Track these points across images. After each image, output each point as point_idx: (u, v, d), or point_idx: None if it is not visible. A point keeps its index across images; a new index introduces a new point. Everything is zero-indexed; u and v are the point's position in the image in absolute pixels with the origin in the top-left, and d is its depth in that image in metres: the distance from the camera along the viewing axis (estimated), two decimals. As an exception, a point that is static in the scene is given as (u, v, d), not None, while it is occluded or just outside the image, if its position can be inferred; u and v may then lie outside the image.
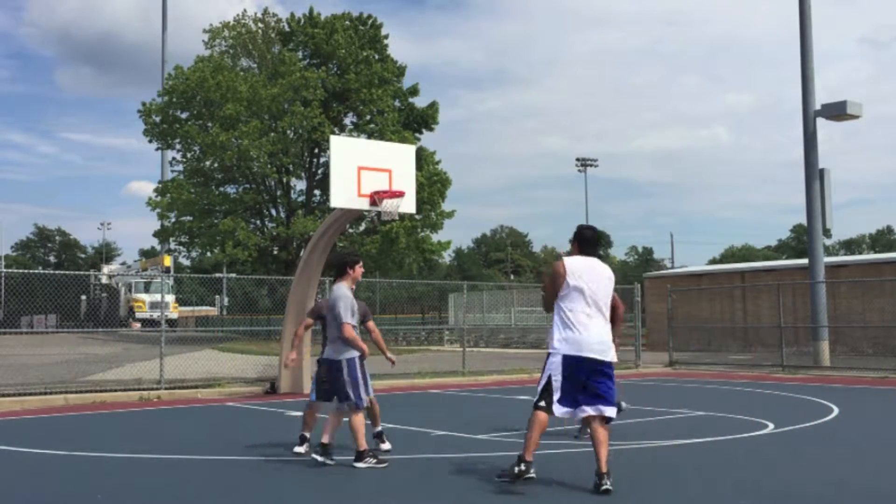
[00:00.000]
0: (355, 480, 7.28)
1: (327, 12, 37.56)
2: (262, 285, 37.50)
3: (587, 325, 6.75)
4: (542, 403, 6.70)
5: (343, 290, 8.05)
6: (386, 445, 8.74)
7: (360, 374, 7.96)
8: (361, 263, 8.34)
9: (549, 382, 6.72)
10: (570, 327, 6.76)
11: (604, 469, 6.59)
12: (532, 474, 6.64)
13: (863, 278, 26.75)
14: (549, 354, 6.84)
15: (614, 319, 8.91)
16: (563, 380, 6.70)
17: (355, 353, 7.97)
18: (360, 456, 7.81)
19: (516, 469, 6.59)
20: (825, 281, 22.64)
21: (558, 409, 6.70)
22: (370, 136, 33.27)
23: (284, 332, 15.60)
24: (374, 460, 7.81)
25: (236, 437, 10.14)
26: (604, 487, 6.52)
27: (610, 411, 6.76)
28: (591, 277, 6.86)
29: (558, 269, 6.90)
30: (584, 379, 6.72)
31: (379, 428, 8.86)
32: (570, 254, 7.13)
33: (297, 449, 8.62)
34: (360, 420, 7.89)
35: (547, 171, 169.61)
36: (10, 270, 56.54)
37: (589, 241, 7.10)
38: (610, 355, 6.82)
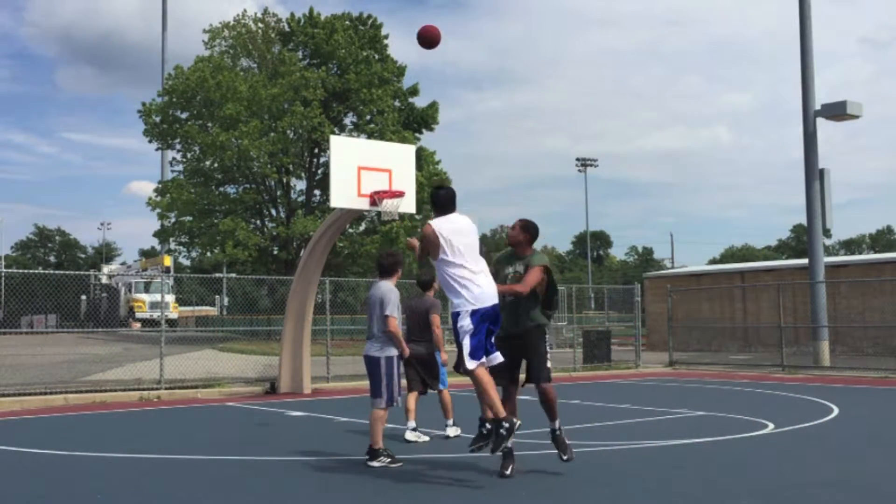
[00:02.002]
0: (355, 481, 7.28)
1: (327, 12, 37.56)
2: (262, 285, 37.51)
3: (478, 281, 6.95)
4: (477, 362, 6.86)
5: (390, 286, 8.23)
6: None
7: (396, 374, 8.03)
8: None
9: (476, 340, 6.84)
10: (468, 286, 6.91)
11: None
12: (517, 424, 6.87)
13: (863, 278, 26.75)
14: (457, 316, 6.91)
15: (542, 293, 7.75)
16: (480, 334, 6.88)
17: (395, 352, 8.05)
18: (373, 454, 7.85)
19: (502, 431, 6.77)
20: (825, 281, 22.64)
21: (495, 358, 6.99)
22: (370, 136, 33.24)
23: (285, 332, 15.61)
24: (388, 459, 7.84)
25: (236, 437, 10.14)
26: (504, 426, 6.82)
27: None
28: (459, 236, 7.04)
29: (429, 232, 7.04)
30: (490, 327, 6.98)
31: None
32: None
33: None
34: (381, 417, 7.92)
35: (547, 171, 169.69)
36: (10, 270, 56.53)
37: (443, 203, 7.24)
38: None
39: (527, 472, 7.33)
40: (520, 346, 7.40)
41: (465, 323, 6.84)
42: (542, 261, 7.49)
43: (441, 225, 7.07)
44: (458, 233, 7.07)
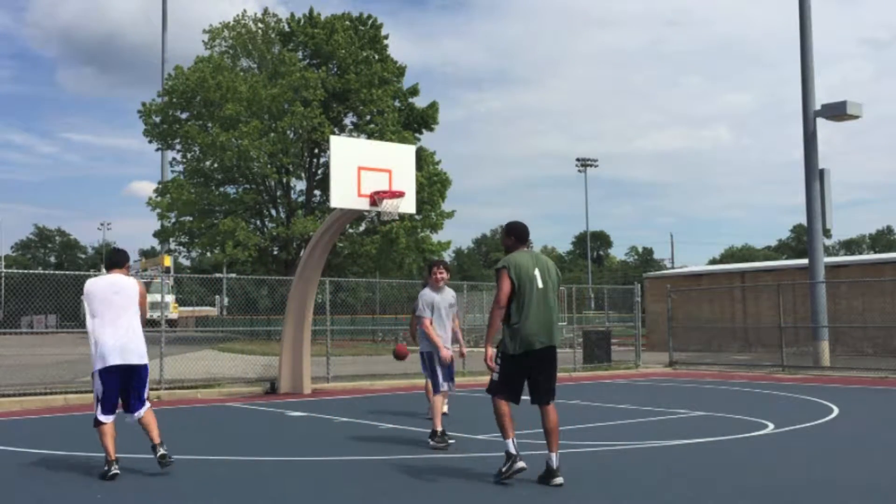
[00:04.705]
0: (355, 480, 7.28)
1: (327, 12, 37.59)
2: (262, 285, 37.49)
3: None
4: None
5: (425, 290, 9.49)
6: None
7: (437, 365, 9.18)
8: (440, 268, 9.58)
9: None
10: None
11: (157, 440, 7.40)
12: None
13: (863, 278, 26.75)
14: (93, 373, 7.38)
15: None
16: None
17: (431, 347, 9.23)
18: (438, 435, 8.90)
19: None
20: (825, 281, 22.64)
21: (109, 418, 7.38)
22: (370, 136, 33.26)
23: (285, 333, 15.61)
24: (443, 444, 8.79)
25: (236, 438, 10.14)
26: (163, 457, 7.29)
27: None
28: (105, 297, 7.44)
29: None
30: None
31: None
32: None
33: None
34: (439, 401, 9.08)
35: (547, 171, 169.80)
36: (10, 270, 56.49)
37: (111, 262, 7.70)
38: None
39: (527, 473, 7.33)
40: (542, 362, 6.90)
41: (95, 382, 7.31)
42: (502, 264, 6.95)
43: (93, 287, 7.47)
44: (104, 293, 7.44)
